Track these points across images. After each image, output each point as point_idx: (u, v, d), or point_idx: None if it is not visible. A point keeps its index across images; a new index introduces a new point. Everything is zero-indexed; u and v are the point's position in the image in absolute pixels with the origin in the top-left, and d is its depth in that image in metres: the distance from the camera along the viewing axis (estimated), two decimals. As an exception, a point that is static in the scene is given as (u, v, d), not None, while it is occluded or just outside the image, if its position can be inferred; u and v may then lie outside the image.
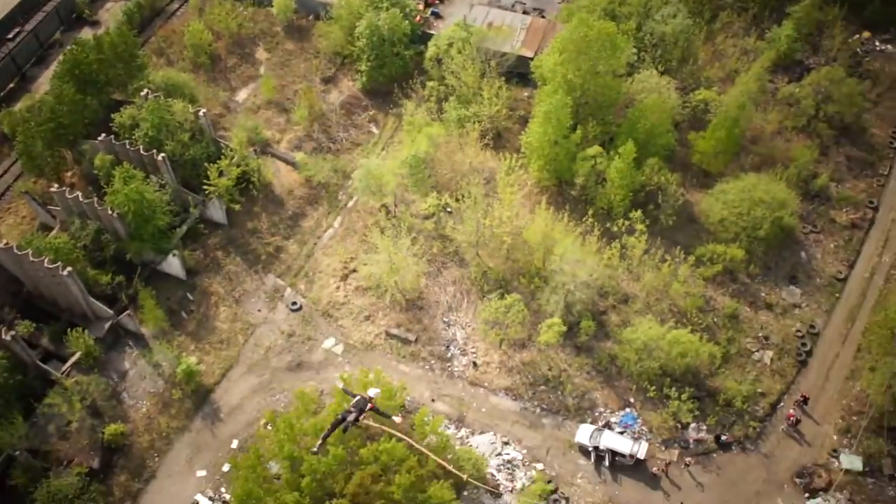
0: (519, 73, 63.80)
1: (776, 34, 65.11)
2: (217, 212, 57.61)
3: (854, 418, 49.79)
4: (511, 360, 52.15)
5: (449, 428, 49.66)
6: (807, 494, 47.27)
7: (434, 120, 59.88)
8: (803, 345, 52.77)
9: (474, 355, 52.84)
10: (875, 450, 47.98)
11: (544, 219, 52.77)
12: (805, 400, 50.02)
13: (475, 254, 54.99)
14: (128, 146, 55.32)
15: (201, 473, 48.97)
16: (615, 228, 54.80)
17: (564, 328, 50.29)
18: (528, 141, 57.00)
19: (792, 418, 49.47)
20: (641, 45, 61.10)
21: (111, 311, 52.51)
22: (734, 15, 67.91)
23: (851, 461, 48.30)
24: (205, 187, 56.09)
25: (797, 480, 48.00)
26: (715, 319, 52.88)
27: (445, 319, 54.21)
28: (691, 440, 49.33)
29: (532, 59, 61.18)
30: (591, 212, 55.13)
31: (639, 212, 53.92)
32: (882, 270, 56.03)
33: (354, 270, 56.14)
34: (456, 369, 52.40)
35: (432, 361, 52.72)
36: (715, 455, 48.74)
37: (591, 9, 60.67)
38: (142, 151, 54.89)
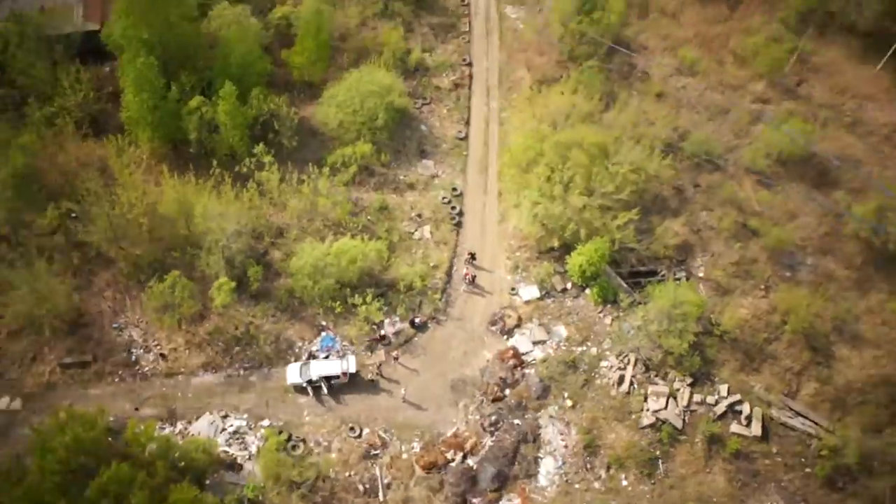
0: (92, 49, 71.75)
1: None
2: None
3: (517, 254, 67.53)
4: (196, 336, 63.17)
5: (164, 428, 59.47)
6: (505, 336, 64.27)
7: (16, 128, 66.43)
8: (453, 208, 69.94)
9: (158, 347, 64.43)
10: (544, 274, 65.99)
11: (173, 186, 64.06)
12: (473, 256, 66.62)
13: (118, 248, 65.42)
14: None
15: None
16: (245, 169, 66.49)
17: (234, 283, 61.63)
18: (128, 115, 66.42)
19: (468, 276, 66.44)
20: (205, -19, 72.19)
21: None
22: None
23: (529, 292, 65.98)
24: None
25: (492, 328, 64.60)
26: (368, 217, 67.24)
27: (115, 325, 64.62)
28: (391, 335, 63.60)
29: (100, 30, 69.79)
30: (215, 162, 66.19)
31: (261, 145, 66.06)
32: (494, 116, 74.67)
33: (2, 317, 63.08)
34: (146, 368, 62.92)
35: (120, 372, 62.79)
36: (416, 339, 63.79)
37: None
38: None
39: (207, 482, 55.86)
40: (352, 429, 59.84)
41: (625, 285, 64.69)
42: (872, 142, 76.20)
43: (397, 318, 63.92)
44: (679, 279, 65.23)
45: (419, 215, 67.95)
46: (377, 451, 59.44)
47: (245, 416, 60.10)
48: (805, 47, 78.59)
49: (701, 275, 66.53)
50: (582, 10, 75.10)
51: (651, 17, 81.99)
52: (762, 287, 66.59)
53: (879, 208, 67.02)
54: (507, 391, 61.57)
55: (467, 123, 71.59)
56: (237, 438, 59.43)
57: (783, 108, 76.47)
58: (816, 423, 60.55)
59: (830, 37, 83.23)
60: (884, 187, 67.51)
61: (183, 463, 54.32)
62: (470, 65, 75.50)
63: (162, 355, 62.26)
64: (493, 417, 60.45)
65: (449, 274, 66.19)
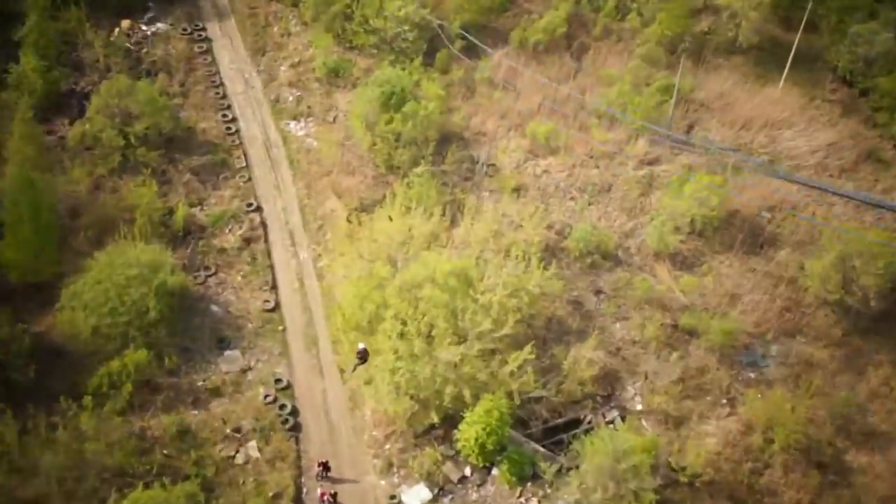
0: None
1: (19, 73, 77.25)
2: None
3: (387, 446, 62.73)
4: None
5: None
6: (400, 564, 57.44)
7: None
8: (282, 408, 63.71)
9: None
10: (429, 464, 61.22)
11: None
12: (326, 467, 60.94)
13: None
14: None
15: None
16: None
17: None
18: None
19: (326, 497, 59.83)
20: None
21: None
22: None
23: (416, 494, 60.92)
24: None
25: (379, 559, 57.54)
26: (164, 451, 60.83)
27: None
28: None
29: None
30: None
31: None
32: (308, 270, 71.25)
33: None
34: None
35: None
36: None
37: None
38: None
39: None
40: None
41: (542, 450, 61.64)
42: (804, 176, 77.81)
43: (239, 584, 56.03)
44: (612, 421, 63.38)
45: (237, 430, 62.90)
46: None
47: None
48: (683, 84, 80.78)
49: (639, 408, 64.98)
50: (389, 106, 74.98)
51: (479, 93, 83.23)
52: (724, 402, 65.77)
53: (841, 257, 67.36)
54: None
55: (274, 288, 67.94)
56: None
57: (678, 165, 78.02)
58: (856, 564, 57.70)
59: (712, 63, 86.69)
60: None
61: None
62: (259, 209, 74.57)
63: None
64: None
65: (300, 499, 60.51)
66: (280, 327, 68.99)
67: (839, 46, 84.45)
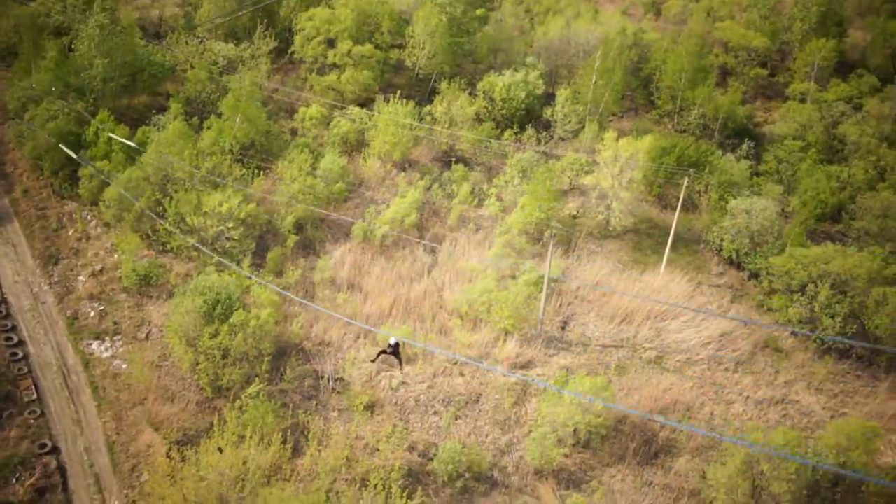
0: None
1: None
2: None
3: None
4: None
5: None
6: None
7: None
8: None
9: None
10: None
11: None
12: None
13: None
14: None
15: None
16: None
17: None
18: None
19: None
20: None
21: None
22: None
23: None
24: None
25: None
26: None
27: None
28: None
29: None
30: None
31: None
32: None
33: None
34: None
35: None
36: None
37: None
38: None
39: None
40: None
41: None
42: (696, 372, 78.21)
43: None
44: None
45: None
46: None
47: None
48: (554, 274, 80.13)
49: None
50: (213, 317, 72.53)
51: (319, 296, 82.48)
52: None
53: (747, 462, 66.50)
54: None
55: (78, 553, 61.31)
56: None
57: (555, 367, 77.30)
58: None
59: (584, 249, 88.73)
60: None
61: None
62: (55, 451, 69.22)
63: None
64: None
65: None
66: None
67: (720, 225, 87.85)
